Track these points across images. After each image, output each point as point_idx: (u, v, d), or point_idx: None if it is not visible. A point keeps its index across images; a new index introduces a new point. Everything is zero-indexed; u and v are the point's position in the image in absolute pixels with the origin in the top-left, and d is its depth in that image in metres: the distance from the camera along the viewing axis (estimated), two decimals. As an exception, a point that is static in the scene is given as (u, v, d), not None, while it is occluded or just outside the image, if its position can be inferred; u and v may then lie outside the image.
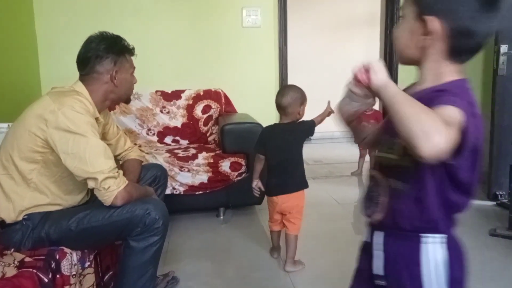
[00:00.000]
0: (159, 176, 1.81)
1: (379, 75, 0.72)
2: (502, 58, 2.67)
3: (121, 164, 1.76)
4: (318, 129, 3.49)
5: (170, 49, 3.26)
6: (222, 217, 2.73)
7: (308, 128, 2.05)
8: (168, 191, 2.49)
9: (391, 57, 3.56)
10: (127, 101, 1.72)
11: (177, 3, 3.24)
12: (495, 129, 2.84)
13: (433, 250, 0.80)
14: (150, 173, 1.79)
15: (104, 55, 1.50)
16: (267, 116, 3.43)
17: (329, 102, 2.12)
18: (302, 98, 1.99)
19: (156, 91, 3.12)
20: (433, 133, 0.62)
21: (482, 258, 2.04)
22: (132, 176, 1.65)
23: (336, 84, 6.48)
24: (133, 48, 1.64)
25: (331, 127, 3.79)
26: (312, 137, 2.40)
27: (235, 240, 2.38)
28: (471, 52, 0.78)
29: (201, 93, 3.16)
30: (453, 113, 0.68)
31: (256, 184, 2.09)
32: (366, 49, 5.47)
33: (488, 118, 2.99)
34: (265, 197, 2.65)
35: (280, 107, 1.98)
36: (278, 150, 2.00)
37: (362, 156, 3.85)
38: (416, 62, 0.82)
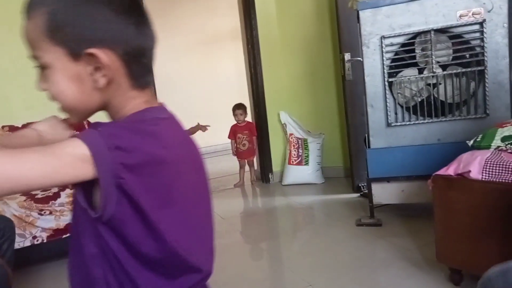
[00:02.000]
0: (2, 229, 1.55)
1: None
2: (347, 65, 2.98)
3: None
4: (200, 144, 3.53)
5: (17, 78, 2.87)
6: (98, 256, 2.49)
7: None
8: (27, 242, 2.19)
9: (255, 69, 3.72)
10: None
11: (17, 26, 2.87)
12: (350, 128, 3.16)
13: None
14: (-10, 228, 1.52)
15: None
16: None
17: (198, 123, 2.85)
18: None
19: (3, 126, 2.72)
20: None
21: (350, 248, 2.23)
22: None
23: (210, 98, 6.62)
24: None
25: (213, 141, 3.89)
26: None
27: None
28: (148, 70, 0.68)
29: (60, 123, 2.85)
30: (71, 145, 0.55)
31: None
32: (234, 62, 5.67)
33: (344, 119, 3.33)
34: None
35: None
36: None
37: (241, 167, 3.93)
38: (101, 108, 0.66)
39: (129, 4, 0.64)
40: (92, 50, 0.60)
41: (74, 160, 0.53)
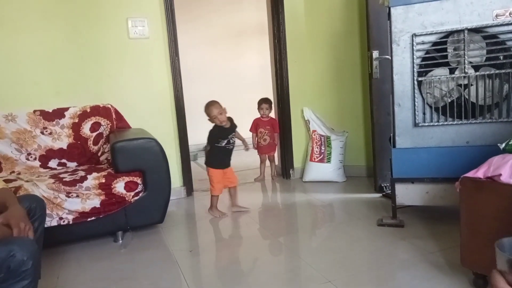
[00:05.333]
0: (33, 208, 1.60)
1: None
2: (374, 63, 2.94)
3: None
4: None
5: (47, 64, 2.95)
6: (120, 241, 2.55)
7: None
8: (54, 223, 2.26)
9: (281, 64, 3.71)
10: None
11: (49, 13, 2.95)
12: (375, 126, 3.12)
13: None
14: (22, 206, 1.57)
15: None
16: (165, 129, 3.32)
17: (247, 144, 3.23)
18: (207, 110, 2.85)
19: (34, 111, 2.81)
20: None
21: (371, 247, 2.20)
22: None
23: (233, 92, 6.66)
24: None
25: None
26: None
27: (137, 265, 2.23)
28: None
29: (88, 110, 2.92)
30: None
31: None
32: (259, 57, 5.67)
33: (369, 117, 3.28)
34: (166, 214, 2.61)
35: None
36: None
37: (262, 161, 3.94)
38: None
39: None
40: None
41: None
